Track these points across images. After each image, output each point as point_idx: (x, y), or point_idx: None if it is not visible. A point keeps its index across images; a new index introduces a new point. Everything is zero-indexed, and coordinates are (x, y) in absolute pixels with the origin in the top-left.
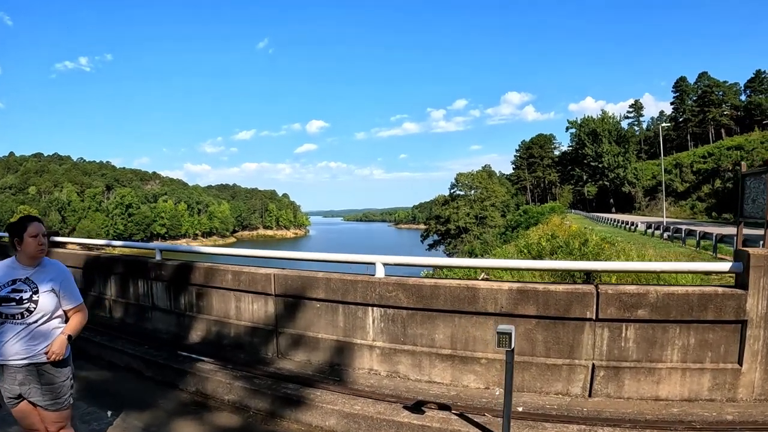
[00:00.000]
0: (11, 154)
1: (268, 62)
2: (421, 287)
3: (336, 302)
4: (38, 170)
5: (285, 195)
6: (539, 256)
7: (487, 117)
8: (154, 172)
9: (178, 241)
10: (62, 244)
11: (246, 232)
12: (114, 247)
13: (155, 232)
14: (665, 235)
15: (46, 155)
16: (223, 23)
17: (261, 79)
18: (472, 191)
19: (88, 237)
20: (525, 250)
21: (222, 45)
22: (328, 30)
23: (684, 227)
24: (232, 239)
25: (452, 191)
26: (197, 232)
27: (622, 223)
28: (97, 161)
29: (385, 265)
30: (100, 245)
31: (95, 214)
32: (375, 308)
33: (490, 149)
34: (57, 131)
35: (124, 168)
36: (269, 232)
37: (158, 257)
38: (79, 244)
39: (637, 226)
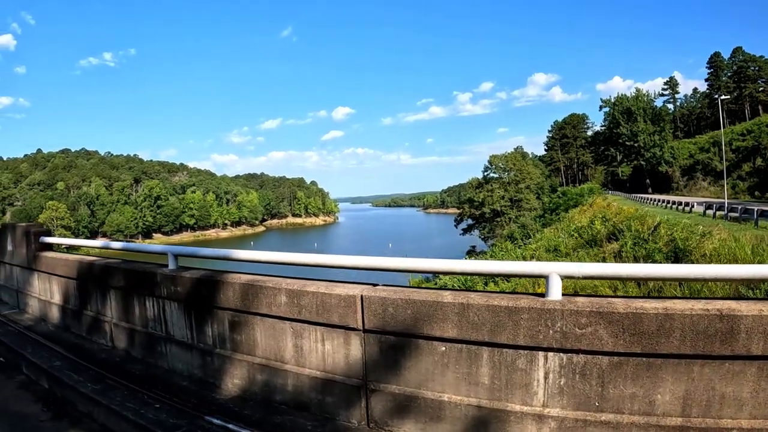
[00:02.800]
0: (39, 151)
1: (292, 50)
2: (641, 318)
3: (478, 344)
4: (66, 166)
5: (313, 182)
6: (594, 240)
7: (514, 99)
8: (182, 164)
9: (207, 232)
10: (51, 246)
11: (275, 221)
12: (113, 249)
13: (184, 223)
14: (729, 216)
15: (73, 151)
16: (246, 13)
17: (285, 67)
18: (506, 173)
19: (118, 230)
20: (576, 234)
21: (245, 35)
22: (351, 16)
23: (756, 208)
24: (261, 228)
25: (486, 174)
26: (226, 221)
27: (671, 203)
28: (125, 155)
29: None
30: (98, 247)
31: (124, 207)
32: (551, 354)
33: (517, 131)
34: (83, 127)
35: (151, 160)
36: (298, 220)
37: (172, 265)
38: (70, 245)
39: (693, 206)
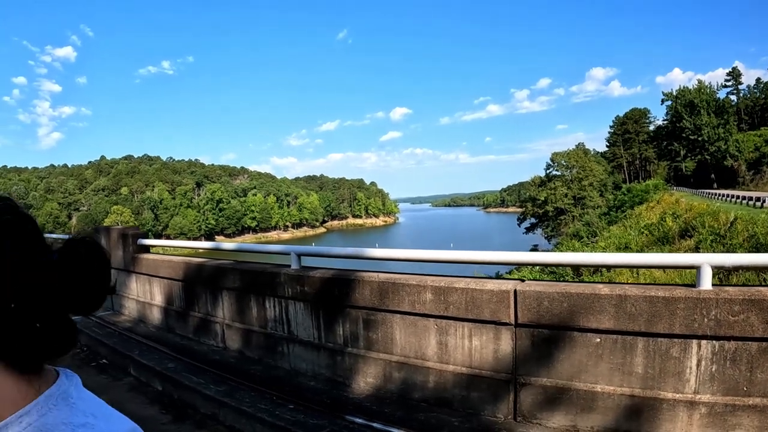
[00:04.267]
0: (102, 157)
1: (347, 53)
2: None
3: (632, 334)
4: (129, 172)
5: (373, 183)
6: (665, 238)
7: (572, 95)
8: (243, 167)
9: (269, 234)
10: (148, 248)
11: (335, 222)
12: (221, 250)
13: (246, 225)
14: None
15: (136, 157)
16: (301, 16)
17: (342, 69)
18: (569, 171)
19: (181, 233)
20: (646, 231)
21: (301, 38)
22: (405, 15)
23: None
24: (321, 229)
25: (548, 171)
26: (287, 223)
27: (741, 198)
28: (186, 160)
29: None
30: (206, 248)
31: (187, 210)
32: (704, 341)
33: (576, 128)
34: (145, 134)
35: (212, 165)
36: (359, 221)
37: (295, 265)
38: (172, 246)
39: (764, 201)
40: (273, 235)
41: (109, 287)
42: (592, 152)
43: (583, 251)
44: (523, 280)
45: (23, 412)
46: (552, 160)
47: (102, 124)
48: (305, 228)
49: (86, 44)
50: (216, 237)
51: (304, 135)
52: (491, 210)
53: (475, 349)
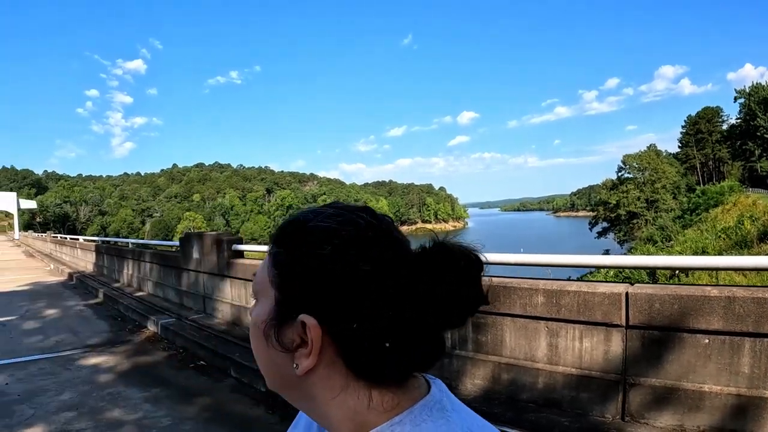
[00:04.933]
0: (174, 165)
1: (413, 58)
2: None
3: (740, 335)
4: (201, 179)
5: (442, 188)
6: (743, 241)
7: (641, 94)
8: (312, 174)
9: None
10: (242, 253)
11: (405, 227)
12: None
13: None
14: None
15: (207, 165)
16: (366, 22)
17: (408, 74)
18: (641, 173)
19: (252, 238)
20: (723, 235)
21: (367, 45)
22: (469, 19)
23: None
24: None
25: (619, 174)
26: None
27: None
28: (256, 167)
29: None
30: None
31: (257, 216)
32: None
33: (646, 128)
34: (215, 142)
35: (282, 171)
36: (428, 226)
37: None
38: (261, 251)
39: None
40: None
41: (481, 297)
42: (664, 153)
43: (659, 255)
44: (632, 283)
45: (395, 421)
46: (623, 162)
47: (173, 133)
48: None
49: (156, 57)
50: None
51: (372, 141)
52: (561, 214)
53: (585, 350)
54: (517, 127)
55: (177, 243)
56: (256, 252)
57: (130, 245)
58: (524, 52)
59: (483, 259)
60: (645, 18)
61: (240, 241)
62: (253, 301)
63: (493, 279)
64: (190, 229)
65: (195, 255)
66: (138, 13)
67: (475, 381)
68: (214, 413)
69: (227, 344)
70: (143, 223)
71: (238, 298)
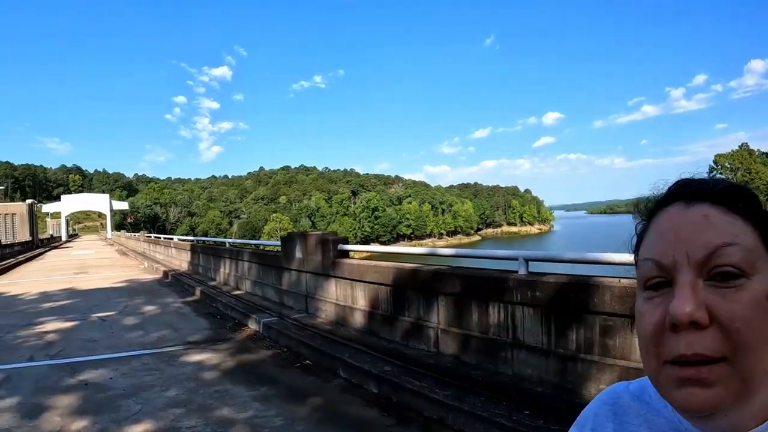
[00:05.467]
0: (261, 168)
1: (496, 58)
2: None
3: None
4: (287, 181)
5: (527, 190)
6: None
7: (731, 90)
8: (397, 176)
9: (423, 241)
10: (347, 253)
11: (490, 230)
12: (437, 255)
13: (401, 233)
14: None
15: (293, 167)
16: (448, 25)
17: (491, 75)
18: (733, 174)
19: None
20: None
21: (449, 46)
22: (554, 17)
23: None
24: (476, 237)
25: (711, 175)
26: (442, 231)
27: None
28: (341, 169)
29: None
30: (420, 253)
31: (343, 218)
32: None
33: (736, 126)
34: (301, 145)
35: (367, 174)
36: (513, 229)
37: (523, 270)
38: (367, 251)
39: None
40: (427, 242)
41: None
42: (757, 153)
43: None
44: None
45: None
46: (715, 162)
47: (259, 136)
48: (460, 236)
49: (240, 63)
50: (371, 244)
51: (457, 143)
52: None
53: None
54: (603, 127)
55: (277, 242)
56: (361, 252)
57: (228, 245)
58: (609, 49)
59: None
60: (732, 10)
61: (345, 241)
62: (362, 301)
63: (622, 280)
64: (276, 230)
65: (298, 255)
66: (222, 21)
67: (599, 386)
68: (326, 414)
69: (334, 344)
70: (231, 224)
71: (343, 299)
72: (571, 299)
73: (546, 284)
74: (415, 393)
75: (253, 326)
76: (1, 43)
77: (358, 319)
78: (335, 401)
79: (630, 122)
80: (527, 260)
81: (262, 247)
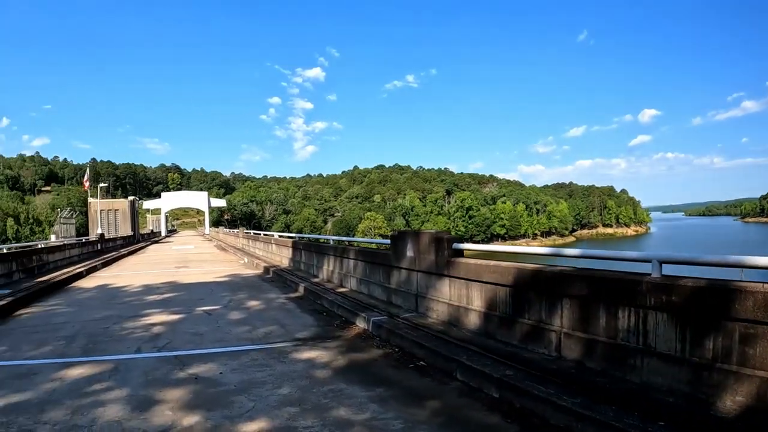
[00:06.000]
0: (355, 167)
1: (590, 54)
2: None
3: None
4: (381, 180)
5: (623, 191)
6: None
7: None
8: (491, 175)
9: (517, 242)
10: (461, 252)
11: (585, 231)
12: (561, 256)
13: (495, 233)
14: None
15: (387, 166)
16: (540, 21)
17: (585, 72)
18: None
19: None
20: None
21: (541, 43)
22: (649, 11)
23: None
24: (571, 238)
25: None
26: (536, 231)
27: None
28: (435, 168)
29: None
30: (542, 254)
31: (437, 217)
32: None
33: None
34: (394, 144)
35: (461, 173)
36: (609, 230)
37: (656, 273)
38: (480, 250)
39: None
40: (522, 242)
41: None
42: None
43: None
44: None
45: None
46: None
47: (353, 136)
48: (554, 236)
49: (333, 64)
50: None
51: (551, 142)
52: (749, 220)
53: None
54: (701, 124)
55: (383, 241)
56: (476, 251)
57: (332, 242)
58: (706, 41)
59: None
60: None
61: (460, 240)
62: (477, 302)
63: (766, 285)
64: (370, 229)
65: (409, 253)
66: (313, 24)
67: (736, 398)
68: (446, 418)
69: (449, 345)
70: (325, 222)
71: (457, 299)
72: (710, 305)
73: (683, 288)
74: (540, 399)
75: (361, 324)
76: (102, 50)
77: (473, 320)
78: (454, 405)
79: (729, 119)
80: (661, 262)
81: (363, 245)
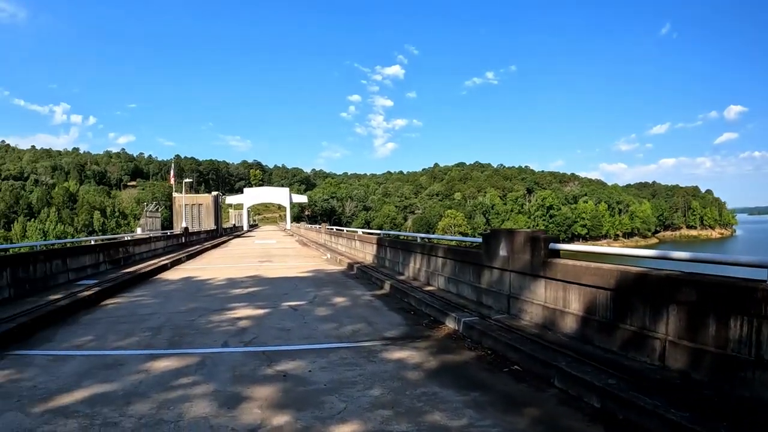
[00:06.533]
0: (435, 165)
1: (673, 48)
2: None
3: None
4: (461, 178)
5: (708, 191)
6: None
7: None
8: (573, 174)
9: (599, 242)
10: (558, 253)
11: (668, 233)
12: (669, 259)
13: (575, 233)
14: None
15: (467, 164)
16: (620, 15)
17: (669, 67)
18: None
19: None
20: None
21: (623, 36)
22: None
23: None
24: (653, 240)
25: None
26: (618, 232)
27: None
28: (516, 166)
29: None
30: (649, 256)
31: (517, 216)
32: None
33: None
34: (475, 141)
35: (542, 171)
36: (693, 232)
37: None
38: (578, 251)
39: None
40: (603, 243)
41: None
42: None
43: None
44: None
45: None
46: None
47: (433, 133)
48: (636, 238)
49: (412, 62)
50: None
51: (634, 139)
52: None
53: None
54: None
55: (471, 239)
56: (573, 251)
57: (419, 239)
58: None
59: None
60: None
61: (557, 240)
62: (575, 305)
63: None
64: (450, 226)
65: (502, 252)
66: (392, 22)
67: None
68: (546, 428)
69: (545, 350)
70: (405, 219)
71: (552, 301)
72: None
73: None
74: (646, 412)
75: (451, 324)
76: (185, 50)
77: (569, 323)
78: (554, 414)
79: None
80: None
81: (454, 243)
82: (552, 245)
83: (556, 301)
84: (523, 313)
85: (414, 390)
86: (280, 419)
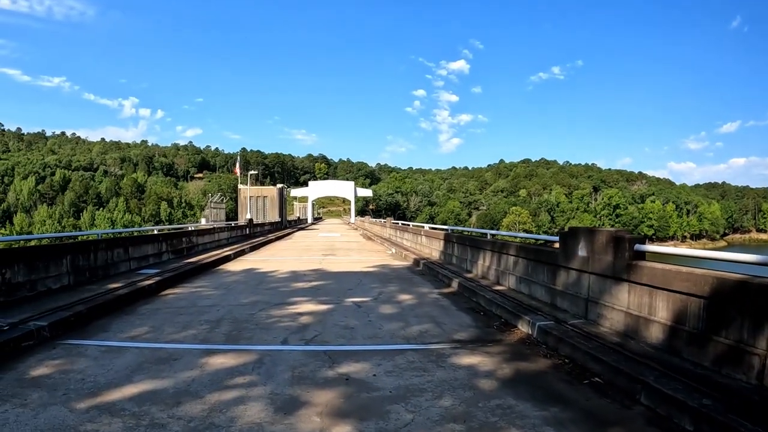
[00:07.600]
0: (501, 161)
1: (744, 42)
2: None
3: None
4: (527, 174)
5: None
6: None
7: None
8: (640, 172)
9: (666, 243)
10: (644, 255)
11: (737, 235)
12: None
13: (642, 233)
14: None
15: (533, 160)
16: (688, 8)
17: (740, 61)
18: None
19: None
20: None
21: (690, 30)
22: None
23: None
24: (722, 243)
25: None
26: (685, 233)
27: None
28: (582, 164)
29: None
30: (743, 261)
31: (583, 215)
32: None
33: None
34: (541, 138)
35: (609, 169)
36: (763, 236)
37: None
38: (667, 253)
39: None
40: (670, 244)
41: None
42: None
43: None
44: None
45: None
46: None
47: (499, 129)
48: (704, 240)
49: (477, 57)
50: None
51: (703, 138)
52: None
53: None
54: None
55: (549, 237)
56: (660, 253)
57: (489, 236)
58: None
59: None
60: None
61: (643, 241)
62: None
63: None
64: (515, 223)
65: (581, 252)
66: (457, 16)
67: None
68: None
69: (630, 361)
70: (469, 215)
71: (636, 307)
72: None
73: None
74: None
75: (524, 328)
76: (252, 47)
77: (655, 333)
78: None
79: None
80: None
81: (526, 241)
82: (638, 246)
83: (641, 307)
84: (602, 318)
85: (487, 402)
86: (341, 429)
